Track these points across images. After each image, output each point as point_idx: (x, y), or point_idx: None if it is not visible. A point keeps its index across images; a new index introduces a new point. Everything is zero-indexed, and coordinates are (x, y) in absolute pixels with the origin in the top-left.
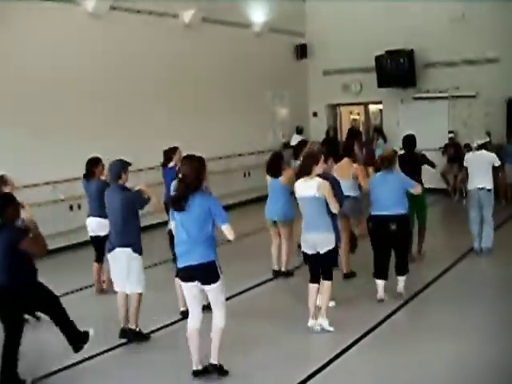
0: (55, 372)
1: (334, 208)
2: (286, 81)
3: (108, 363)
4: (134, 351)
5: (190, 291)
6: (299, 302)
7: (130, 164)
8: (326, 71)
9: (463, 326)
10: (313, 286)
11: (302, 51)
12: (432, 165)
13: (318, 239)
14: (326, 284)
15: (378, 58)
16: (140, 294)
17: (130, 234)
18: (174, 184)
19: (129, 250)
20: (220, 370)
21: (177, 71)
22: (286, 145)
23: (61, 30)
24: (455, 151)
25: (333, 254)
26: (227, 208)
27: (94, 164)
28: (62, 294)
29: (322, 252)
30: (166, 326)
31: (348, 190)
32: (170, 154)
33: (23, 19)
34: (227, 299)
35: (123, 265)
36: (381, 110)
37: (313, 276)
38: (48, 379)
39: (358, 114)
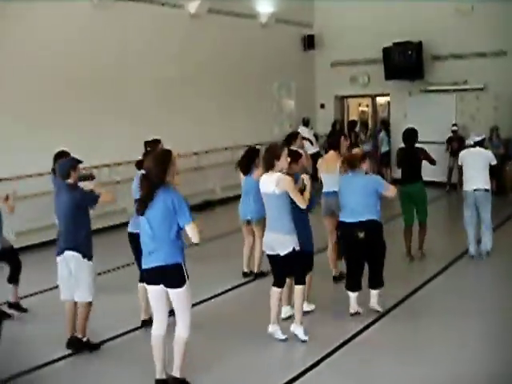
0: None
1: (300, 203)
2: (293, 72)
3: (58, 373)
4: (86, 360)
5: (155, 295)
6: (268, 308)
7: (80, 162)
8: (333, 63)
9: (445, 344)
10: (274, 291)
11: (309, 42)
12: (432, 161)
13: (275, 240)
14: (296, 289)
15: (385, 50)
16: (89, 304)
17: (80, 237)
18: (135, 181)
19: (78, 255)
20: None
21: (182, 62)
22: None
23: (63, 19)
24: (459, 145)
25: (296, 257)
26: (234, 199)
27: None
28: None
29: (281, 254)
30: (123, 334)
31: (334, 185)
32: (151, 146)
33: (18, 10)
34: (193, 306)
35: (72, 271)
36: (389, 103)
37: (275, 279)
38: None
39: (367, 105)
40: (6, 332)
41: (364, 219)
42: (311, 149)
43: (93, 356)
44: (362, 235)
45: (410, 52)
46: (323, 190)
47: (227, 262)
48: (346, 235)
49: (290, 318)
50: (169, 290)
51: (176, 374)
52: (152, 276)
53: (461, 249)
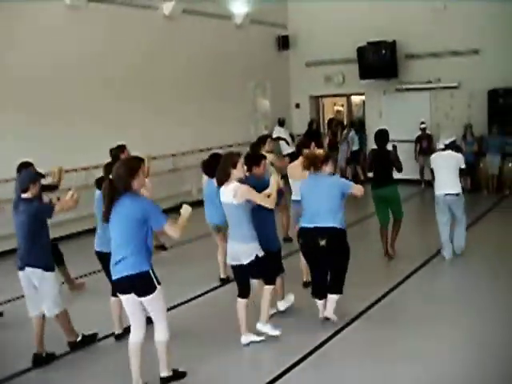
0: None
1: (268, 205)
2: (268, 72)
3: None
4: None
5: (128, 303)
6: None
7: (41, 176)
8: (308, 62)
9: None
10: (240, 301)
11: (283, 42)
12: (398, 167)
13: (239, 250)
14: (264, 289)
15: (360, 50)
16: (58, 315)
17: (40, 250)
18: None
19: (39, 270)
20: (176, 376)
21: (157, 63)
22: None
23: (42, 22)
24: (428, 143)
25: (260, 262)
26: None
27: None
28: None
29: (245, 263)
30: (101, 339)
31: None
32: (117, 152)
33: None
34: (168, 309)
35: (35, 286)
36: (364, 102)
37: (240, 289)
38: None
39: (342, 105)
40: None
41: (326, 225)
42: (287, 149)
43: (66, 364)
44: (323, 243)
45: (384, 51)
46: (292, 198)
47: (204, 264)
48: (307, 242)
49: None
50: (141, 298)
51: (164, 373)
52: (121, 286)
53: (436, 247)
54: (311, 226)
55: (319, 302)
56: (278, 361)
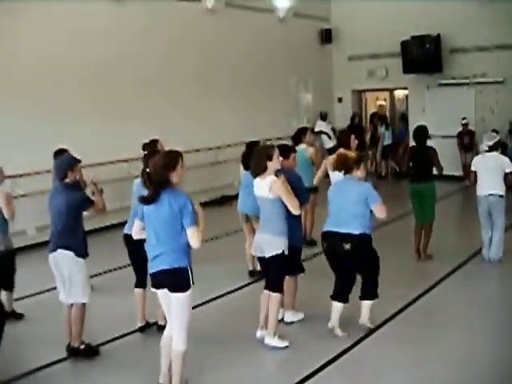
0: None
1: (293, 210)
2: (311, 66)
3: (58, 376)
4: (84, 364)
5: (163, 299)
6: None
7: (78, 161)
8: (351, 56)
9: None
10: (264, 294)
11: (326, 36)
12: (438, 168)
13: (264, 240)
14: (271, 297)
15: (403, 44)
16: (84, 305)
17: (74, 236)
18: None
19: (71, 253)
20: None
21: (200, 57)
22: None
23: (79, 16)
24: (470, 139)
25: (279, 260)
26: None
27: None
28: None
29: (267, 256)
30: (119, 337)
31: None
32: (149, 147)
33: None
34: (196, 306)
35: (64, 273)
36: (406, 96)
37: (266, 282)
38: None
39: (385, 99)
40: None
41: (351, 231)
42: (329, 143)
43: (92, 360)
44: (347, 247)
45: (428, 45)
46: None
47: (240, 259)
48: (331, 246)
49: (293, 323)
50: (171, 294)
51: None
52: (157, 280)
53: (475, 248)
54: (335, 230)
55: (334, 306)
56: (306, 363)
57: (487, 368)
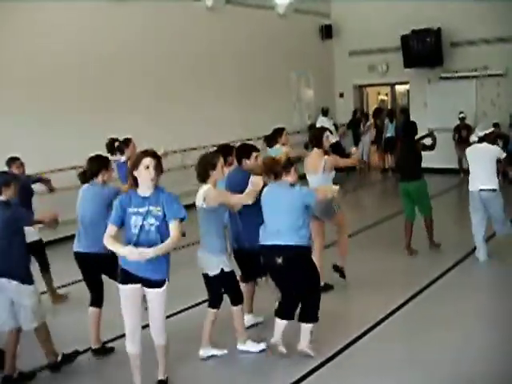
0: None
1: (243, 201)
2: (312, 62)
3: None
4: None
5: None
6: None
7: (16, 178)
8: (351, 52)
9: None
10: (209, 312)
11: (327, 32)
12: (430, 146)
13: (204, 258)
14: (233, 310)
15: (404, 38)
16: (38, 328)
17: (17, 260)
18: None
19: (15, 282)
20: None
21: (200, 55)
22: (312, 126)
23: (82, 16)
24: (467, 133)
25: (227, 278)
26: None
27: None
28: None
29: (210, 274)
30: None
31: (318, 185)
32: (122, 146)
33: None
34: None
35: (10, 299)
36: (408, 91)
37: (209, 299)
38: None
39: (387, 94)
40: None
41: (285, 243)
42: (331, 139)
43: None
44: (279, 261)
45: (428, 39)
46: None
47: None
48: (267, 262)
49: (254, 326)
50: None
51: (162, 376)
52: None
53: (471, 245)
54: (269, 243)
55: (277, 324)
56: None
57: (483, 367)
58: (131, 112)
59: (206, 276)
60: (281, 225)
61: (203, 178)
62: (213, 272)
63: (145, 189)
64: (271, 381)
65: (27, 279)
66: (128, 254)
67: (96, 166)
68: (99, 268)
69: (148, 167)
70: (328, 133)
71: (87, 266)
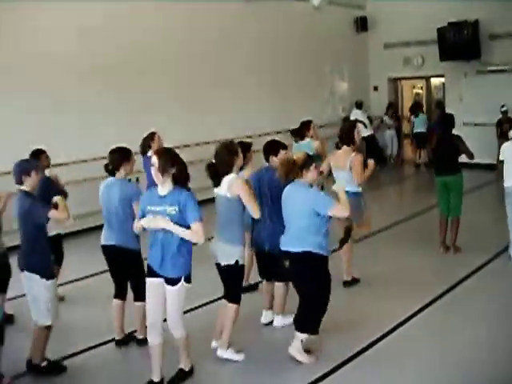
0: None
1: (253, 213)
2: (346, 55)
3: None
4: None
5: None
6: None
7: (37, 167)
8: (386, 44)
9: None
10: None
11: (362, 24)
12: (469, 154)
13: (219, 248)
14: (228, 307)
15: (440, 30)
16: (48, 327)
17: (37, 255)
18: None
19: (36, 276)
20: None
21: (235, 47)
22: (346, 119)
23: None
24: (510, 127)
25: (233, 271)
26: None
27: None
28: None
29: (222, 264)
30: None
31: (346, 183)
32: (147, 141)
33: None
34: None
35: (29, 291)
36: (443, 84)
37: (224, 292)
38: None
39: (422, 87)
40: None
41: (292, 249)
42: (365, 132)
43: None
44: (287, 264)
45: (465, 31)
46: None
47: None
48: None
49: (271, 323)
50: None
51: (183, 366)
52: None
53: (503, 244)
54: (284, 249)
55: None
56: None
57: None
58: (172, 105)
59: (216, 265)
60: (290, 227)
61: (227, 165)
62: (225, 262)
63: (160, 187)
64: (292, 380)
65: (48, 274)
66: (146, 223)
67: (117, 160)
68: (125, 262)
69: (153, 166)
70: (360, 126)
71: (114, 259)
